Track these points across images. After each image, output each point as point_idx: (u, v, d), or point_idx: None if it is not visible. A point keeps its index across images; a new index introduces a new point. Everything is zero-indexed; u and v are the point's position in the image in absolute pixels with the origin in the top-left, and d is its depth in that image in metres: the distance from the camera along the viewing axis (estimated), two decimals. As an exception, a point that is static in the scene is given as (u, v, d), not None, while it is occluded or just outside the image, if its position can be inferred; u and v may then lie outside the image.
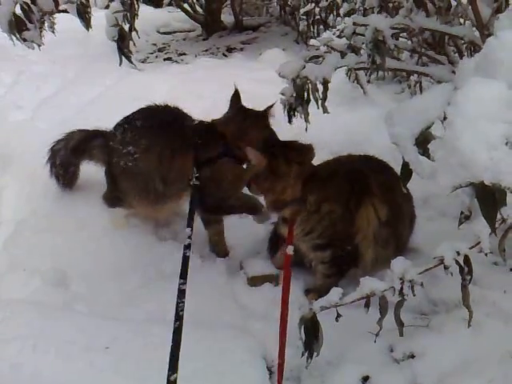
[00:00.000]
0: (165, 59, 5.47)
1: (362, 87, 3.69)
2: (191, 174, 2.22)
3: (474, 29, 1.77)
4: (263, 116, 2.26)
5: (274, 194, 2.09)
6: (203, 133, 2.31)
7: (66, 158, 2.63)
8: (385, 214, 2.06)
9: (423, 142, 1.08)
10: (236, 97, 2.34)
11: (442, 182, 0.99)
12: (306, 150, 2.09)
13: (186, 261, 1.86)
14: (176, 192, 2.32)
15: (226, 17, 6.30)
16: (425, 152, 1.06)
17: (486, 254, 1.49)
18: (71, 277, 2.25)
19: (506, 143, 0.94)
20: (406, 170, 1.16)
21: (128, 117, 2.44)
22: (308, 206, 2.07)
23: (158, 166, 2.31)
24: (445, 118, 1.00)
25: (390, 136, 1.18)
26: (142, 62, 5.25)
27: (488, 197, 0.99)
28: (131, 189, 2.40)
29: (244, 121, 2.28)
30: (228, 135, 2.27)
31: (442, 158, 0.98)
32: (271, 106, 2.23)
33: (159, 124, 2.36)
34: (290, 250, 2.01)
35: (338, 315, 1.54)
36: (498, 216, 1.33)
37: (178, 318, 1.64)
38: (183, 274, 1.80)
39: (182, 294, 1.71)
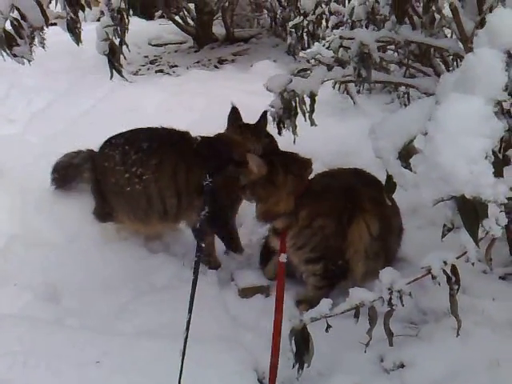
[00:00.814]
0: (156, 71, 5.50)
1: (351, 98, 3.72)
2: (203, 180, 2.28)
3: (459, 41, 1.80)
4: (261, 125, 2.38)
5: (267, 204, 2.11)
6: (209, 146, 2.39)
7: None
8: (376, 228, 2.09)
9: (406, 155, 1.10)
10: (235, 114, 2.46)
11: (424, 195, 1.01)
12: (305, 164, 2.12)
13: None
14: (190, 205, 2.35)
15: (218, 29, 6.34)
16: (407, 165, 1.07)
17: (472, 264, 1.50)
18: (62, 291, 2.25)
19: (486, 157, 0.96)
20: (390, 183, 1.17)
21: (126, 137, 2.47)
22: (300, 220, 2.08)
23: (172, 182, 2.37)
24: (426, 133, 1.02)
25: (373, 150, 1.20)
26: (134, 74, 5.28)
27: (469, 210, 1.00)
28: (131, 208, 2.43)
29: (245, 131, 2.41)
30: (232, 146, 2.37)
31: (424, 172, 1.00)
32: (265, 114, 2.31)
33: (166, 144, 2.42)
34: (283, 257, 2.02)
35: (328, 326, 1.55)
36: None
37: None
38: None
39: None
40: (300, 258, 2.14)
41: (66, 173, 2.71)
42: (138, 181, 2.37)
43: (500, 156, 1.07)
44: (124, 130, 2.55)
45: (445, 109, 1.00)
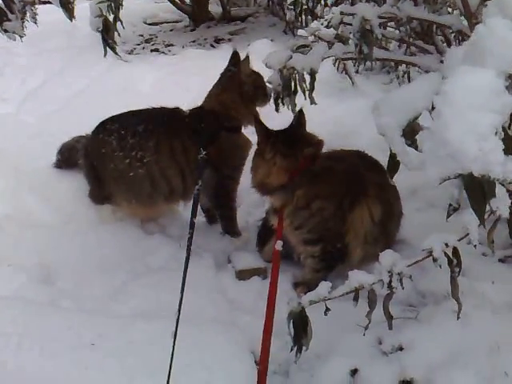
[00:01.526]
0: (152, 50, 5.42)
1: (350, 78, 3.66)
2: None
3: (463, 18, 1.75)
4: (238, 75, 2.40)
5: (258, 173, 2.14)
6: (199, 117, 2.39)
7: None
8: (378, 214, 2.07)
9: (410, 132, 1.06)
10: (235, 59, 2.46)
11: (430, 173, 0.97)
12: (304, 143, 2.09)
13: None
14: (192, 184, 2.31)
15: (214, 7, 6.23)
16: (412, 143, 1.04)
17: (474, 246, 1.48)
18: (57, 272, 2.22)
19: (496, 133, 0.92)
20: (393, 162, 1.14)
21: (120, 122, 2.44)
22: (295, 199, 2.05)
23: (173, 161, 2.37)
24: (433, 108, 0.97)
25: (376, 127, 1.16)
26: (129, 54, 5.20)
27: (477, 189, 0.97)
28: (133, 193, 2.42)
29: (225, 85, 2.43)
30: (221, 112, 2.39)
31: (430, 150, 0.96)
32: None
33: (160, 124, 2.40)
34: (278, 245, 1.99)
35: (327, 309, 1.53)
36: (487, 207, 1.33)
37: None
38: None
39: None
40: (298, 239, 2.12)
41: (70, 155, 2.71)
42: (139, 164, 2.35)
43: (510, 133, 1.03)
44: (119, 111, 2.51)
45: (453, 82, 0.96)
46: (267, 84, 2.08)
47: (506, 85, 0.95)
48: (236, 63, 2.43)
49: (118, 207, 2.49)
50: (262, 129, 2.13)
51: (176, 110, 2.44)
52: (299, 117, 2.10)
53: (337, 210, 2.05)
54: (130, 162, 2.35)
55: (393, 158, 1.14)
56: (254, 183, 2.19)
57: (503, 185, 0.95)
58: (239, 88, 2.40)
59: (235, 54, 2.45)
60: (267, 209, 2.29)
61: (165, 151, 2.36)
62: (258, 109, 2.45)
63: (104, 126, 2.45)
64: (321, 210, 2.05)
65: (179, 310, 1.72)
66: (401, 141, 1.08)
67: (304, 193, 2.06)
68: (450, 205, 1.16)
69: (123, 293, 2.09)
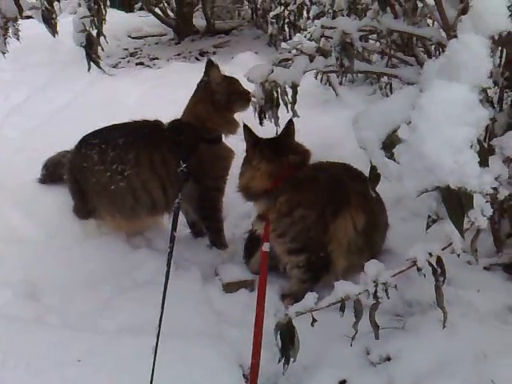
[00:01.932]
0: (137, 64, 5.44)
1: (334, 89, 3.70)
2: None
3: (442, 30, 1.78)
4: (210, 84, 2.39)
5: (244, 179, 2.19)
6: (178, 130, 2.39)
7: None
8: (362, 223, 2.08)
9: (390, 145, 1.08)
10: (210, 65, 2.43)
11: (408, 185, 0.98)
12: (288, 151, 2.13)
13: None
14: (175, 197, 2.30)
15: (198, 21, 6.28)
16: (391, 156, 1.05)
17: (458, 255, 1.50)
18: (42, 288, 2.20)
19: (471, 146, 0.94)
20: (374, 174, 1.15)
21: (101, 135, 2.45)
22: (278, 205, 2.07)
23: (153, 174, 2.36)
24: (410, 122, 0.99)
25: (357, 140, 1.18)
26: (114, 67, 5.21)
27: (454, 200, 0.98)
28: (116, 206, 2.42)
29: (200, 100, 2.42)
30: (195, 123, 2.38)
31: (408, 163, 0.97)
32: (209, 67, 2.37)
33: (140, 137, 2.40)
34: (266, 247, 2.00)
35: (314, 320, 1.53)
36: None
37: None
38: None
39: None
40: (282, 248, 2.13)
41: (55, 170, 2.71)
42: (120, 177, 2.35)
43: (485, 145, 1.05)
44: (104, 125, 2.51)
45: (429, 96, 0.98)
46: (252, 98, 2.09)
47: (479, 98, 0.97)
48: (212, 71, 2.40)
49: (103, 221, 2.48)
50: (250, 136, 2.17)
51: (156, 123, 2.44)
52: (288, 127, 2.13)
53: (319, 219, 2.06)
54: (111, 175, 2.35)
55: (373, 170, 1.16)
56: (239, 187, 2.23)
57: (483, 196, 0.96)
58: (211, 97, 2.39)
59: (209, 64, 2.42)
60: (253, 221, 2.29)
61: (145, 164, 2.36)
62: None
63: (86, 141, 2.45)
64: (303, 218, 2.06)
65: (159, 325, 1.71)
66: (380, 153, 1.09)
67: (286, 200, 2.08)
68: (429, 216, 1.18)
69: (109, 308, 2.08)
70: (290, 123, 2.13)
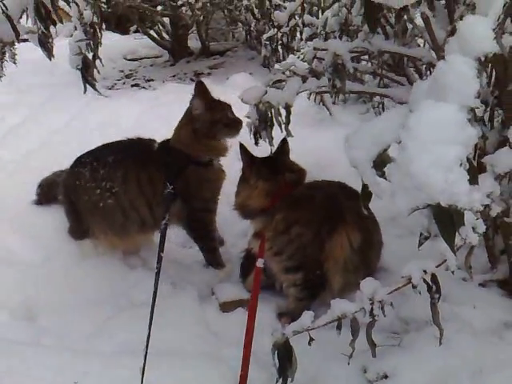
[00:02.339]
0: (132, 85, 5.47)
1: (327, 109, 3.73)
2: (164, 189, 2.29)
3: (432, 50, 1.82)
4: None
5: (241, 197, 2.23)
6: (167, 151, 2.39)
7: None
8: (358, 241, 2.09)
9: (381, 164, 1.10)
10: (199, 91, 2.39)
11: (400, 204, 1.00)
12: (285, 170, 2.17)
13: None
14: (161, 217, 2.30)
15: (193, 42, 6.33)
16: (383, 174, 1.07)
17: (452, 272, 1.51)
18: (39, 310, 2.20)
19: (460, 165, 0.96)
20: (366, 192, 1.18)
21: (93, 154, 2.48)
22: (275, 223, 2.08)
23: (140, 192, 2.38)
24: (400, 142, 1.02)
25: (349, 159, 1.20)
26: (110, 89, 5.24)
27: (445, 218, 1.00)
28: (108, 223, 2.43)
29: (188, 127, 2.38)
30: (180, 148, 2.37)
31: (398, 181, 0.99)
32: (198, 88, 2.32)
33: (129, 155, 2.43)
34: (260, 262, 2.02)
35: (311, 339, 1.54)
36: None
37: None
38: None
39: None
40: (278, 266, 2.14)
41: (50, 190, 2.73)
42: (109, 195, 2.37)
43: (475, 163, 1.08)
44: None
45: (417, 117, 1.00)
46: (246, 118, 2.10)
47: (468, 118, 0.99)
48: (199, 94, 2.34)
49: (96, 240, 2.48)
50: (246, 155, 2.20)
51: (147, 142, 2.46)
52: (283, 145, 2.17)
53: (315, 237, 2.07)
54: (100, 192, 2.38)
55: (365, 188, 1.18)
56: (235, 205, 2.26)
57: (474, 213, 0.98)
58: (192, 125, 2.35)
59: (197, 86, 2.35)
60: (250, 239, 2.30)
61: (132, 182, 2.38)
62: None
63: (80, 160, 2.48)
64: (299, 236, 2.08)
65: (147, 346, 1.72)
66: (372, 172, 1.12)
67: (283, 218, 2.10)
68: (421, 234, 1.19)
69: (107, 329, 2.07)
70: (284, 142, 2.17)
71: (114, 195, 2.37)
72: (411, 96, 1.12)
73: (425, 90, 1.06)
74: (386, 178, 1.07)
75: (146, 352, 1.70)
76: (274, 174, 2.17)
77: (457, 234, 1.07)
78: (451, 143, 0.97)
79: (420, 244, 1.25)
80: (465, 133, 0.98)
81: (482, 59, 1.04)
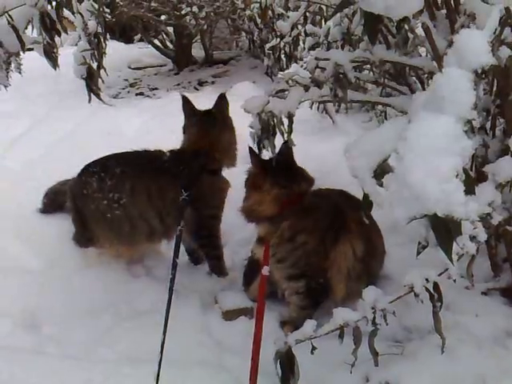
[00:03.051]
0: (137, 94, 5.50)
1: (330, 117, 3.75)
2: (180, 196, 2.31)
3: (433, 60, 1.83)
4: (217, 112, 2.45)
5: (250, 201, 2.18)
6: (180, 160, 2.42)
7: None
8: (361, 250, 2.10)
9: (381, 174, 1.11)
10: (188, 104, 2.50)
11: (397, 213, 1.01)
12: (298, 180, 2.14)
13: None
14: (173, 224, 2.33)
15: (197, 51, 6.38)
16: (383, 184, 1.08)
17: (454, 280, 1.52)
18: (42, 318, 2.20)
19: (457, 175, 0.97)
20: (367, 201, 1.19)
21: (101, 164, 2.49)
22: (281, 231, 2.08)
23: (149, 204, 2.39)
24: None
25: (349, 169, 1.21)
26: (114, 98, 5.27)
27: (443, 228, 1.01)
28: (115, 233, 2.44)
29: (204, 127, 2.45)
30: (204, 155, 2.40)
31: (396, 191, 1.00)
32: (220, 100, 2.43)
33: (138, 166, 2.45)
34: (265, 270, 2.01)
35: (313, 348, 1.54)
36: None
37: None
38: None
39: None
40: (281, 274, 2.14)
41: (55, 199, 2.77)
42: (116, 206, 2.39)
43: (472, 174, 1.09)
44: (104, 154, 2.55)
45: (415, 128, 1.02)
46: (249, 128, 2.13)
47: (464, 129, 1.01)
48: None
49: (101, 248, 2.50)
50: (257, 160, 2.16)
51: (156, 153, 2.48)
52: (286, 149, 2.16)
53: (320, 245, 2.08)
54: (108, 203, 2.39)
55: (366, 197, 1.19)
56: (242, 209, 2.21)
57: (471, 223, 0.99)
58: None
59: (222, 97, 2.47)
60: (253, 248, 2.31)
61: (141, 193, 2.40)
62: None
63: (87, 168, 2.50)
64: (304, 244, 2.08)
65: (161, 353, 1.72)
66: (372, 182, 1.13)
67: (290, 225, 2.09)
68: (419, 243, 1.20)
69: (109, 337, 2.08)
70: (288, 146, 2.16)
71: (122, 206, 2.38)
72: (410, 107, 1.14)
73: (422, 101, 1.07)
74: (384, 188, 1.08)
75: (161, 360, 1.70)
76: (290, 182, 2.14)
77: (455, 243, 1.07)
78: (447, 154, 0.98)
79: (418, 253, 1.26)
80: (461, 144, 1.00)
81: (479, 71, 1.05)
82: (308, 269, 2.10)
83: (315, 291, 2.10)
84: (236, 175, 2.42)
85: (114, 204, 2.39)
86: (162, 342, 1.76)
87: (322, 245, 2.09)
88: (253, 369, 1.69)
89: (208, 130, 2.45)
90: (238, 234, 2.69)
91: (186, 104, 2.51)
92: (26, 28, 2.14)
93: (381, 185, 1.11)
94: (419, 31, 1.74)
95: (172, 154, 2.47)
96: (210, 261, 2.51)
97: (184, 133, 2.54)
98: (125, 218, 2.40)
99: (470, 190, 0.99)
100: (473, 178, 1.08)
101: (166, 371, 1.71)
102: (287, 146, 2.16)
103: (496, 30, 1.14)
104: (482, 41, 1.08)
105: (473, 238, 1.39)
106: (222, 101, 2.47)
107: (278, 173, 2.14)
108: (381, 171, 1.11)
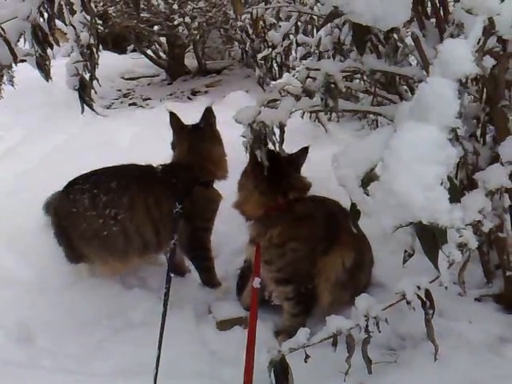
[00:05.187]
0: (130, 104, 5.52)
1: (323, 126, 3.77)
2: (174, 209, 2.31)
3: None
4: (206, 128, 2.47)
5: (240, 196, 2.21)
6: (172, 172, 2.42)
7: None
8: (350, 262, 2.10)
9: (368, 183, 1.13)
10: (175, 120, 2.51)
11: (384, 221, 1.02)
12: (281, 190, 2.13)
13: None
14: (167, 238, 2.32)
15: (190, 61, 6.41)
16: (369, 192, 1.09)
17: (445, 287, 1.53)
18: (36, 331, 2.19)
19: (441, 183, 0.98)
20: (355, 210, 1.20)
21: (92, 180, 2.44)
22: (269, 235, 2.10)
23: (147, 217, 2.37)
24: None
25: (336, 178, 1.23)
26: (107, 108, 5.29)
27: (428, 235, 1.02)
28: (108, 250, 2.40)
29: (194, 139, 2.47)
30: (196, 168, 2.42)
31: (382, 199, 1.02)
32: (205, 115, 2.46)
33: (132, 180, 2.42)
34: (256, 282, 2.00)
35: (307, 356, 1.55)
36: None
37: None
38: None
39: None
40: (268, 275, 2.13)
41: None
42: (113, 222, 2.35)
43: (456, 182, 1.10)
44: (97, 165, 2.53)
45: (399, 137, 1.03)
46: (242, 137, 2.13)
47: (449, 138, 1.02)
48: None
49: (92, 265, 2.47)
50: (252, 159, 2.13)
51: (147, 167, 2.47)
52: (298, 155, 2.20)
53: (309, 254, 2.08)
54: (103, 220, 2.34)
55: (353, 206, 1.20)
56: (234, 204, 2.23)
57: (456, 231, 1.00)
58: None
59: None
60: (245, 247, 2.30)
61: (139, 207, 2.37)
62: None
63: (74, 185, 2.43)
64: (293, 251, 2.08)
65: (157, 368, 1.71)
66: (360, 191, 1.14)
67: (280, 233, 2.09)
68: (405, 251, 1.22)
69: (103, 350, 2.07)
70: (298, 154, 2.20)
71: (120, 222, 2.34)
72: (396, 116, 1.15)
73: (407, 110, 1.09)
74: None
75: (156, 373, 1.71)
76: (273, 191, 2.12)
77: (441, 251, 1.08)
78: (432, 162, 0.99)
79: (404, 261, 1.28)
80: (445, 152, 1.01)
81: (463, 80, 1.07)
82: (295, 274, 2.10)
83: (305, 297, 2.10)
84: (228, 186, 2.44)
85: (111, 220, 2.34)
86: (158, 357, 1.75)
87: (312, 254, 2.09)
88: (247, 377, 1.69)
89: (198, 143, 2.46)
90: (231, 244, 2.69)
91: (174, 120, 2.51)
92: (19, 41, 2.15)
93: (368, 194, 1.13)
94: (409, 40, 1.76)
95: (164, 167, 2.46)
96: (202, 273, 2.50)
97: (173, 149, 2.54)
98: (120, 233, 2.36)
99: (454, 198, 1.01)
100: (458, 186, 1.09)
101: (161, 382, 1.70)
102: (299, 155, 2.20)
103: (480, 39, 1.16)
104: (466, 50, 1.09)
105: (463, 246, 1.41)
106: (209, 114, 2.48)
107: (266, 180, 2.11)
108: (368, 180, 1.13)
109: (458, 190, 1.09)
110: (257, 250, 2.11)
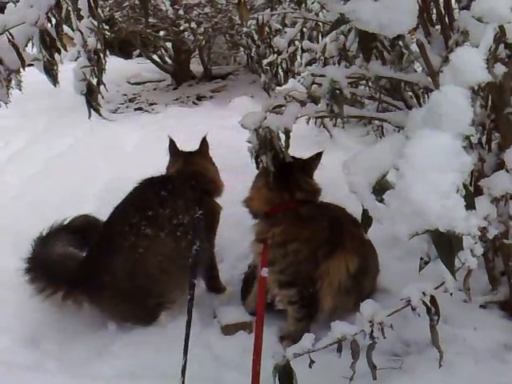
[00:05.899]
0: (136, 109, 5.55)
1: (328, 131, 3.77)
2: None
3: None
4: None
5: (250, 193, 2.25)
6: (186, 181, 2.42)
7: None
8: (354, 267, 2.10)
9: (380, 190, 1.13)
10: (174, 146, 2.61)
11: (399, 229, 1.03)
12: (290, 189, 2.16)
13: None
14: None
15: (195, 66, 6.43)
16: (382, 200, 1.10)
17: (451, 294, 1.53)
18: (40, 334, 2.20)
19: (457, 191, 0.99)
20: (366, 217, 1.20)
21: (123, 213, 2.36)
22: (271, 233, 2.11)
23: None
24: (397, 169, 1.05)
25: (348, 185, 1.23)
26: (113, 113, 5.32)
27: (444, 243, 1.02)
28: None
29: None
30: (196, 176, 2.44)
31: (397, 208, 1.02)
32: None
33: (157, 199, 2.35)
34: (264, 272, 2.02)
35: (312, 361, 1.54)
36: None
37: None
38: None
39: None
40: (272, 278, 2.12)
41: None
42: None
43: (471, 189, 1.10)
44: (103, 169, 2.55)
45: (414, 145, 1.03)
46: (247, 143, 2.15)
47: (463, 145, 1.03)
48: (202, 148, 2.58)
49: None
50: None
51: (160, 178, 2.46)
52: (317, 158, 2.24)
53: (311, 256, 2.09)
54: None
55: (365, 213, 1.20)
56: (244, 200, 2.26)
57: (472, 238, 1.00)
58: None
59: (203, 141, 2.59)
60: (251, 262, 2.31)
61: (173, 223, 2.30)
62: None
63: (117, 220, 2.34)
64: (295, 252, 2.09)
65: (183, 374, 1.73)
66: (371, 198, 1.14)
67: (282, 231, 2.11)
68: (422, 258, 1.21)
69: (108, 353, 2.08)
70: (313, 158, 2.22)
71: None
72: (407, 124, 1.15)
73: (421, 118, 1.09)
74: (385, 204, 1.10)
75: (183, 381, 1.73)
76: (280, 188, 2.15)
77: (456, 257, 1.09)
78: (447, 170, 0.99)
79: (420, 268, 1.28)
80: (460, 160, 1.01)
81: (476, 88, 1.07)
82: (298, 277, 2.10)
83: (309, 301, 2.10)
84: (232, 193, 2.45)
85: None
86: (184, 364, 1.76)
87: (314, 256, 2.09)
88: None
89: (194, 159, 2.54)
90: (236, 249, 2.70)
91: (172, 146, 2.62)
92: (26, 45, 2.17)
93: (381, 201, 1.13)
94: (414, 47, 1.76)
95: (174, 176, 2.48)
96: (208, 280, 2.50)
97: (167, 169, 2.58)
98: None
99: (470, 205, 1.01)
100: (472, 193, 1.09)
101: (165, 386, 1.71)
102: (313, 159, 2.24)
103: (491, 47, 1.16)
104: (478, 58, 1.10)
105: (470, 252, 1.41)
106: (204, 143, 2.58)
107: (275, 177, 2.13)
108: (380, 187, 1.13)
109: (473, 197, 1.09)
110: (264, 246, 2.12)
